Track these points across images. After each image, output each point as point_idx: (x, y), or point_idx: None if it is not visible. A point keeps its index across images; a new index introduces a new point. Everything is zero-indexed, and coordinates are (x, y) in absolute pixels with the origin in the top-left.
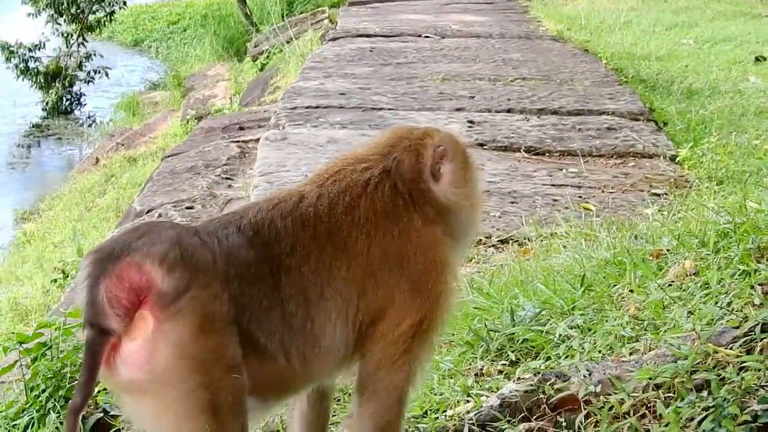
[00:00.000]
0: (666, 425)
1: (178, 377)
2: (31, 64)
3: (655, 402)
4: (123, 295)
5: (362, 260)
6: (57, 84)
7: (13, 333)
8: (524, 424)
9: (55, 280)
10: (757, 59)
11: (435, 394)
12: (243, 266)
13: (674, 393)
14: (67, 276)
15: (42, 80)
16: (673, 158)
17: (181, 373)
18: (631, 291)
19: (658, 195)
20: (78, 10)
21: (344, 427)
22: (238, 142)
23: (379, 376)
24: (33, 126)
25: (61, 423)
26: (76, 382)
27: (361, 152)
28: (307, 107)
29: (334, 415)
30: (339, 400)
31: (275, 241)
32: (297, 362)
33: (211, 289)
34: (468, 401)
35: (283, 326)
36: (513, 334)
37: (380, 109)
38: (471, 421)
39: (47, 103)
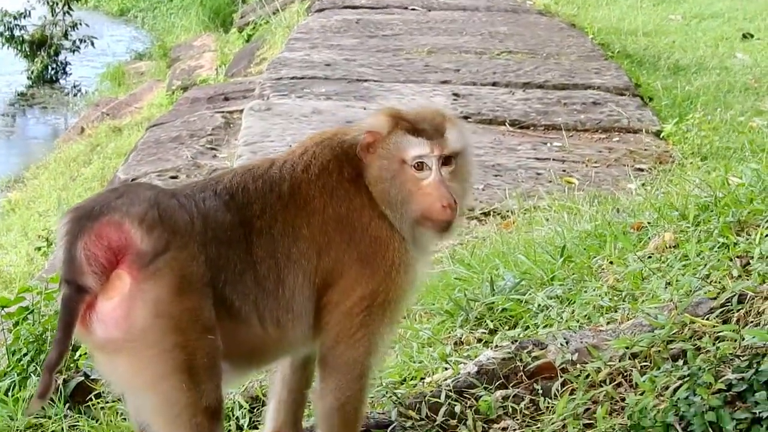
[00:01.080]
0: (641, 394)
1: (154, 337)
2: (17, 33)
3: (631, 371)
4: (101, 254)
5: (319, 218)
6: (42, 53)
7: None
8: (501, 390)
9: (39, 248)
10: (744, 36)
11: (414, 362)
12: (219, 229)
13: (650, 362)
14: (51, 244)
15: (27, 49)
16: (657, 133)
17: (157, 332)
18: (611, 262)
19: (642, 170)
20: None
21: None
22: (223, 112)
23: (338, 351)
24: (18, 95)
25: None
26: (53, 338)
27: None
28: (293, 78)
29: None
30: None
31: (248, 204)
32: (271, 327)
33: (189, 251)
34: (446, 369)
35: (256, 289)
36: (492, 303)
37: (366, 80)
38: (448, 388)
39: (32, 72)
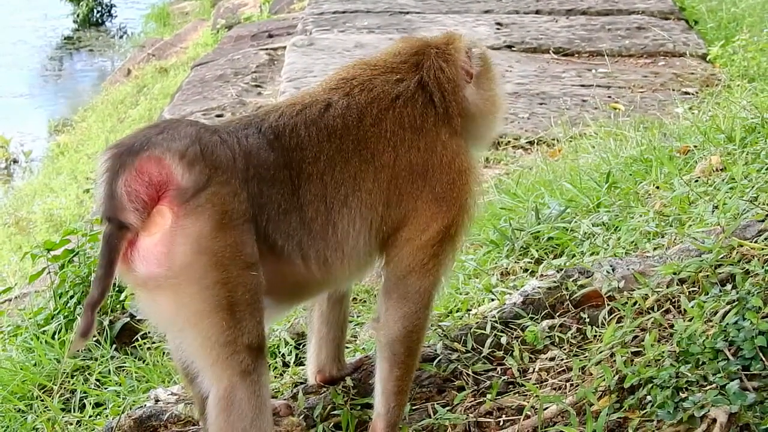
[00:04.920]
0: (690, 320)
1: (195, 273)
2: None
3: (679, 297)
4: (142, 190)
5: (388, 173)
6: None
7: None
8: (547, 320)
9: (88, 191)
10: None
11: (460, 294)
12: (262, 167)
13: (698, 287)
14: None
15: None
16: (703, 57)
17: (198, 268)
18: (657, 187)
19: (688, 93)
20: None
21: (370, 329)
22: (267, 49)
23: (409, 281)
24: (65, 38)
25: None
26: (94, 275)
27: (387, 60)
28: (335, 12)
29: (359, 316)
30: (365, 301)
31: (298, 148)
32: (315, 266)
33: (230, 187)
34: (492, 299)
35: (302, 230)
36: (538, 232)
37: (407, 12)
38: (494, 319)
39: (78, 15)
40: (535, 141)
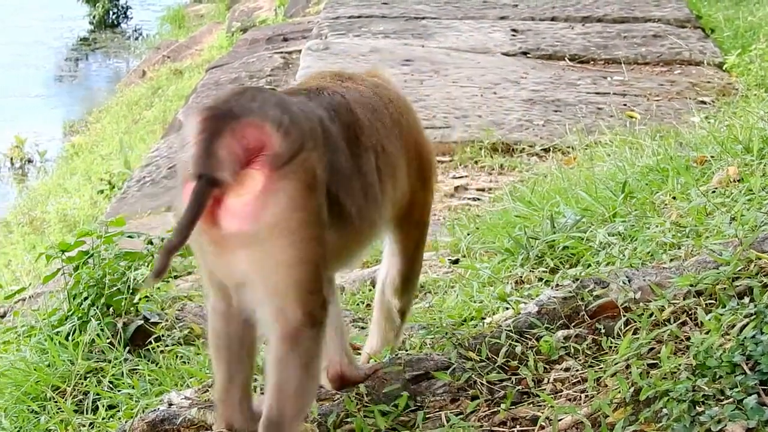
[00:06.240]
0: (706, 332)
1: (288, 230)
2: None
3: (696, 309)
4: (240, 152)
5: (401, 146)
6: None
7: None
8: (562, 330)
9: (102, 191)
10: None
11: (474, 302)
12: (332, 138)
13: (715, 300)
14: (114, 187)
15: None
16: (720, 65)
17: (291, 226)
18: (674, 198)
19: (705, 102)
20: None
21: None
22: (281, 53)
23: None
24: (80, 39)
25: (102, 330)
26: (176, 225)
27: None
28: (350, 17)
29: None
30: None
31: (354, 123)
32: (366, 227)
33: (317, 153)
34: (506, 308)
35: (361, 195)
36: (553, 241)
37: (423, 18)
38: (509, 328)
39: (94, 17)
40: (550, 148)
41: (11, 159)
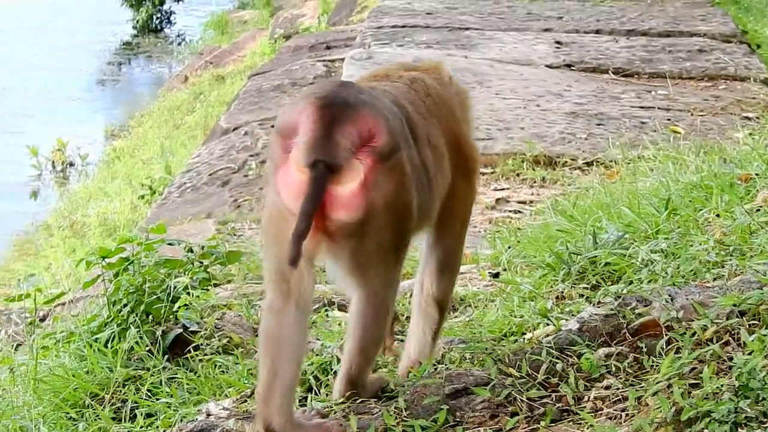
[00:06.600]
0: (749, 353)
1: (384, 221)
2: None
3: (739, 329)
4: (355, 141)
5: (442, 138)
6: (147, 2)
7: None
8: (604, 348)
9: (143, 197)
10: None
11: (514, 317)
12: (405, 134)
13: (759, 320)
14: (155, 192)
15: None
16: (765, 81)
17: (387, 217)
18: (717, 215)
19: (750, 118)
20: None
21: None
22: (324, 60)
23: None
24: (123, 44)
25: (141, 338)
26: (299, 211)
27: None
28: (393, 26)
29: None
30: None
31: (412, 120)
32: (425, 218)
33: (409, 149)
34: (547, 324)
35: (426, 188)
36: (595, 257)
37: (467, 29)
38: (549, 345)
39: (138, 22)
40: (593, 162)
41: (53, 162)
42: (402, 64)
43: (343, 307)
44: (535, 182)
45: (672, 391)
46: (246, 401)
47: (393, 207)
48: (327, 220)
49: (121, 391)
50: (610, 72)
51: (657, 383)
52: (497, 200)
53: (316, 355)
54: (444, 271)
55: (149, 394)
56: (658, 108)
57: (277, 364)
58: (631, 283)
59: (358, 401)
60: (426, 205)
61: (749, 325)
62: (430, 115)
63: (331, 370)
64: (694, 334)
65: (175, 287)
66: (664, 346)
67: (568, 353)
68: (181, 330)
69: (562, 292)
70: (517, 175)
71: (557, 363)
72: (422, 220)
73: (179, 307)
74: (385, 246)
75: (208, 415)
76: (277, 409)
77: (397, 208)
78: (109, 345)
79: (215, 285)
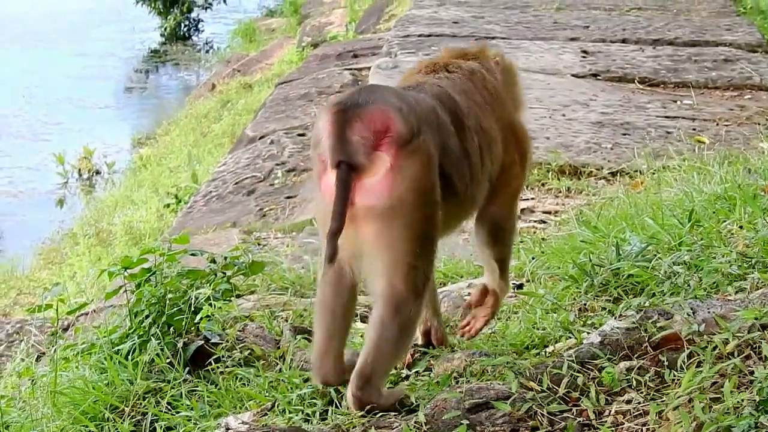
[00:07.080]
0: None
1: (410, 205)
2: None
3: (761, 343)
4: (370, 137)
5: (495, 124)
6: (175, 10)
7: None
8: (625, 362)
9: (168, 205)
10: None
11: (537, 329)
12: (444, 123)
13: None
14: (180, 201)
15: (161, 6)
16: None
17: (413, 202)
18: (741, 227)
19: None
20: None
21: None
22: (351, 69)
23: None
24: (151, 52)
25: (162, 349)
26: (332, 212)
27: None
28: (420, 35)
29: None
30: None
31: (456, 109)
32: (469, 203)
33: (432, 136)
34: (569, 337)
35: (468, 175)
36: (618, 269)
37: (493, 38)
38: (570, 358)
39: (165, 29)
40: (618, 172)
41: (79, 170)
42: (453, 51)
43: (365, 319)
44: (560, 192)
45: (693, 406)
46: (266, 414)
47: (421, 187)
48: (361, 212)
49: (141, 403)
50: (636, 81)
51: (678, 397)
52: (522, 210)
53: None
54: (498, 235)
55: (169, 407)
56: (683, 118)
57: (332, 325)
58: (653, 295)
59: (378, 415)
60: (470, 192)
61: None
62: (485, 103)
63: None
64: (715, 347)
65: (197, 298)
66: (686, 360)
67: (590, 367)
68: (203, 342)
69: (585, 305)
70: (543, 185)
71: (578, 377)
72: (465, 204)
73: (201, 319)
74: (417, 231)
75: (227, 429)
76: (331, 364)
77: (425, 188)
78: (129, 357)
79: (238, 296)
